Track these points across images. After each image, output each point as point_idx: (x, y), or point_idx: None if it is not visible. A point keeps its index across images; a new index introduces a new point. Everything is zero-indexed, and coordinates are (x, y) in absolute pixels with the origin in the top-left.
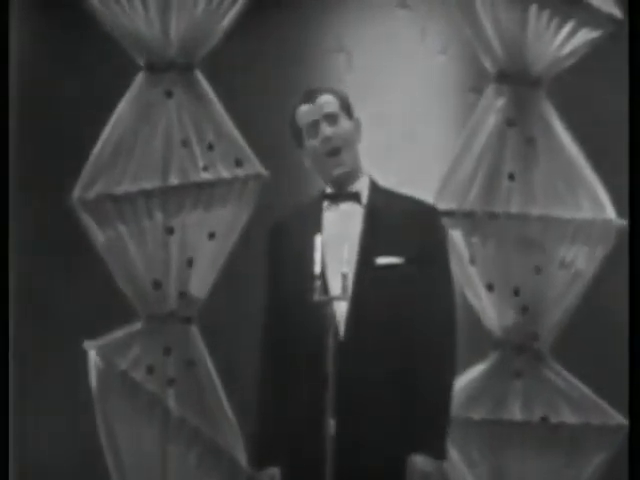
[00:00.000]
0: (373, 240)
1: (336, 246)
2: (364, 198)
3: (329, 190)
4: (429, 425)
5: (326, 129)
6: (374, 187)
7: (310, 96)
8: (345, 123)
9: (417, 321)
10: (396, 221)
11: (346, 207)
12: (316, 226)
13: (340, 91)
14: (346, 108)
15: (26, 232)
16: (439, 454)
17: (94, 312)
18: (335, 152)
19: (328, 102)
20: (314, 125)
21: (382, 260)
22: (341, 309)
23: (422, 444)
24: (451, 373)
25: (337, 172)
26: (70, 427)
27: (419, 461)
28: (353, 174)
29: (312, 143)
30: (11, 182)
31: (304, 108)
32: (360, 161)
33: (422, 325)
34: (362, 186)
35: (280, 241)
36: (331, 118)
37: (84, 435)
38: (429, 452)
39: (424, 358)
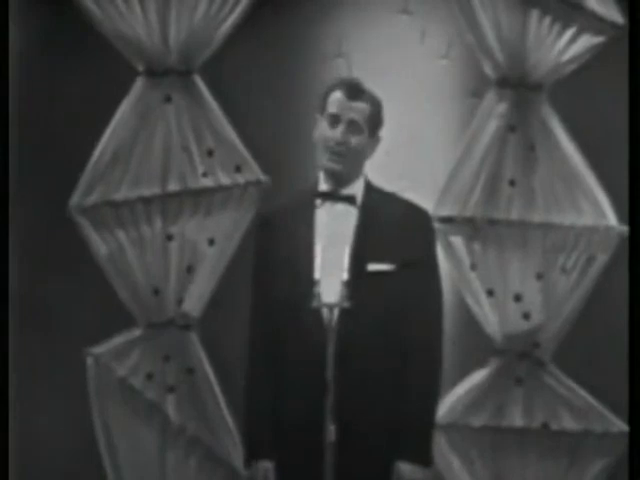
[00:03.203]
0: (366, 245)
1: (330, 250)
2: (359, 199)
3: (323, 187)
4: (417, 433)
5: (341, 133)
6: (369, 188)
7: (352, 89)
8: (362, 138)
9: (405, 328)
10: (389, 226)
11: (341, 208)
12: (309, 226)
13: (379, 104)
14: (373, 123)
15: (26, 234)
16: (426, 461)
17: (93, 318)
18: (338, 154)
19: (361, 110)
20: (336, 118)
21: (374, 267)
22: (334, 315)
23: (409, 452)
24: (437, 378)
25: (328, 166)
26: (70, 428)
27: (407, 469)
28: (350, 176)
29: (326, 128)
30: (11, 183)
31: (340, 97)
32: (362, 168)
33: (411, 331)
34: (358, 188)
35: (270, 238)
36: (352, 126)
37: (84, 436)
38: (417, 460)
39: (412, 365)
